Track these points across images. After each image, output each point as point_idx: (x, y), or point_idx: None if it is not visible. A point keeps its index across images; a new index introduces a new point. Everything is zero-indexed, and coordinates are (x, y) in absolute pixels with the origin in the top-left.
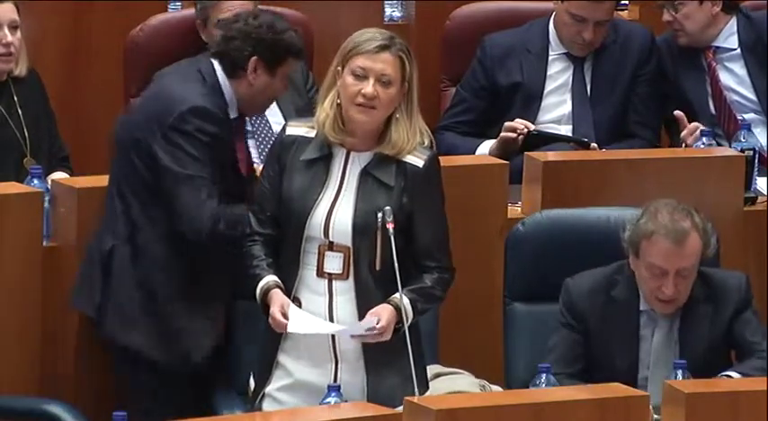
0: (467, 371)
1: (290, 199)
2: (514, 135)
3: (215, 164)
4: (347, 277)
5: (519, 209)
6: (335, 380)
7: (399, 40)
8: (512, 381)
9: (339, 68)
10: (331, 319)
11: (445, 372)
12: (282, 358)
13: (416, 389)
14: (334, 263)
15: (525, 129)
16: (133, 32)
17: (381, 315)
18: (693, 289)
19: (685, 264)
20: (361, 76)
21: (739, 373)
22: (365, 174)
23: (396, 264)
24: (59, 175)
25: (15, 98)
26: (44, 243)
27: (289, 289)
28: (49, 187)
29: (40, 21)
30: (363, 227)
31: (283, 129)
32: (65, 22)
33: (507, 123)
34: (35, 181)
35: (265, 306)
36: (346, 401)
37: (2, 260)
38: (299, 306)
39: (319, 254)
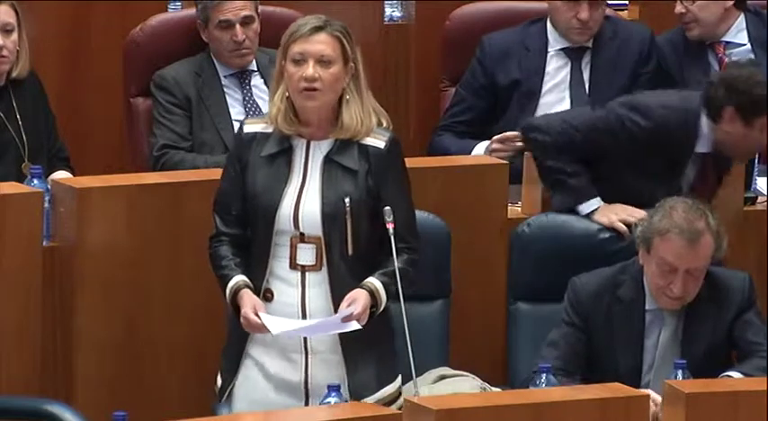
0: (466, 370)
1: (254, 195)
2: (505, 147)
3: None
4: (320, 268)
5: (519, 209)
6: (306, 373)
7: (336, 23)
8: (515, 381)
9: (283, 62)
10: (303, 310)
11: (450, 375)
12: (251, 349)
13: (414, 379)
14: (306, 254)
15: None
16: (133, 32)
17: (357, 300)
18: (700, 288)
19: (696, 265)
20: (300, 60)
21: (741, 373)
22: (328, 161)
23: (393, 250)
24: (61, 175)
25: (14, 103)
26: (44, 243)
27: (259, 282)
28: (49, 187)
29: (40, 21)
30: (332, 214)
31: (240, 127)
32: (65, 23)
33: (496, 137)
34: (35, 181)
35: (235, 306)
36: (346, 401)
37: (2, 260)
38: (271, 297)
39: (291, 246)
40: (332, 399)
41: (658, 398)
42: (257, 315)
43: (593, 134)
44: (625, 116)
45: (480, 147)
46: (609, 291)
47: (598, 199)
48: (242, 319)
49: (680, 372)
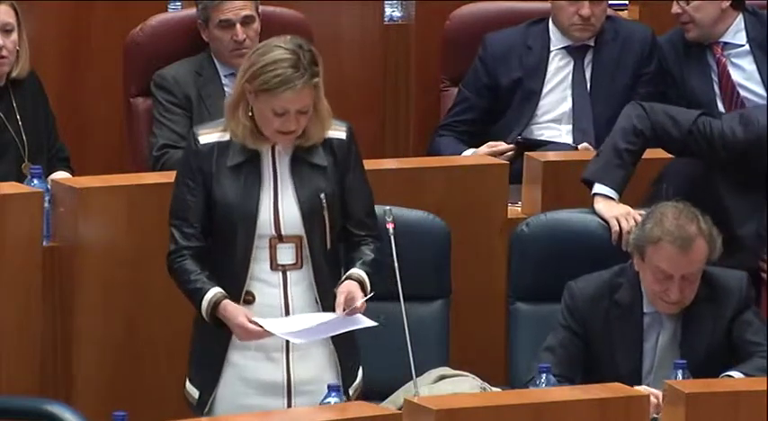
0: (466, 370)
1: (227, 205)
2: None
3: None
4: (301, 266)
5: (519, 209)
6: (288, 371)
7: (307, 58)
8: (515, 381)
9: (249, 91)
10: (286, 310)
11: (449, 375)
12: (232, 355)
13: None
14: (286, 254)
15: (511, 144)
16: (133, 32)
17: (352, 292)
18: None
19: (691, 270)
20: (282, 113)
21: (742, 373)
22: (296, 161)
23: (393, 249)
24: (60, 175)
25: (14, 103)
26: (44, 243)
27: (240, 286)
28: (49, 187)
29: (40, 21)
30: (311, 212)
31: (194, 138)
32: (65, 23)
33: (488, 146)
34: (35, 181)
35: (214, 318)
36: (346, 401)
37: (2, 260)
38: (252, 300)
39: (270, 247)
40: (332, 399)
41: (659, 394)
42: (251, 322)
43: (691, 136)
44: (727, 125)
45: (468, 154)
46: (606, 295)
47: (616, 193)
48: (236, 329)
49: (680, 372)
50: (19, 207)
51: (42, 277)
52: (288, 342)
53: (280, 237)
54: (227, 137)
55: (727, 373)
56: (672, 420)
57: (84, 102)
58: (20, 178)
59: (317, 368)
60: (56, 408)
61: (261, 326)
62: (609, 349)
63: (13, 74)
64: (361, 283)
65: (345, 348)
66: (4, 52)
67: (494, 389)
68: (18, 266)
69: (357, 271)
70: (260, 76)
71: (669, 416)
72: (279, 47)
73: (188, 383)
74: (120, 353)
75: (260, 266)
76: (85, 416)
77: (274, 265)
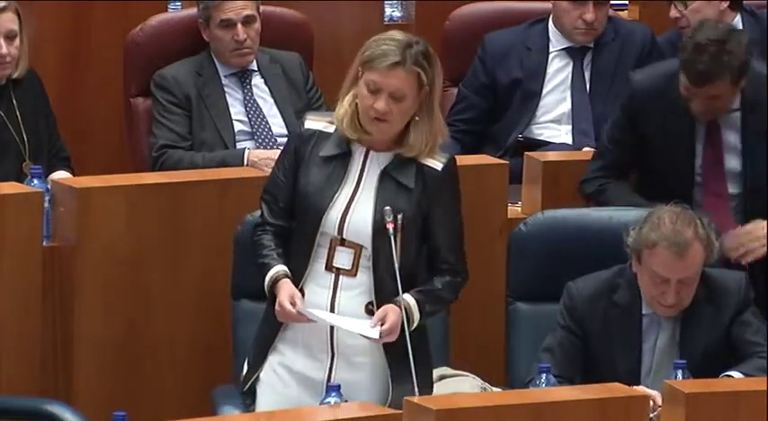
0: (466, 370)
1: (305, 193)
2: None
3: None
4: (355, 274)
5: (519, 209)
6: (330, 375)
7: (417, 49)
8: (514, 381)
9: (360, 73)
10: (332, 312)
11: (450, 374)
12: (279, 343)
13: (416, 390)
14: (344, 258)
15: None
16: (133, 32)
17: (388, 315)
18: (695, 291)
19: (687, 274)
20: (374, 90)
21: (741, 373)
22: (384, 174)
23: (396, 265)
24: (61, 175)
25: (15, 101)
26: (44, 243)
27: (297, 281)
28: (49, 187)
29: (40, 21)
30: (383, 227)
31: (302, 121)
32: (65, 23)
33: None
34: (35, 181)
35: (273, 295)
36: (346, 401)
37: (2, 260)
38: (302, 296)
39: (330, 248)
40: (332, 399)
41: (658, 399)
42: (293, 304)
43: (613, 139)
44: (610, 121)
45: None
46: (605, 295)
47: None
48: (276, 307)
49: (680, 372)
50: (19, 207)
51: (42, 277)
52: (333, 347)
53: (342, 241)
54: (331, 128)
55: (727, 373)
56: (672, 420)
57: (84, 102)
58: (20, 176)
59: (362, 376)
60: (56, 408)
61: (299, 311)
62: (607, 349)
63: (14, 75)
64: (405, 309)
65: (399, 368)
66: (8, 58)
67: (494, 389)
68: (18, 266)
69: (407, 296)
70: (367, 50)
71: (669, 416)
72: (396, 33)
73: (245, 364)
74: (120, 353)
75: (317, 265)
76: (85, 416)
77: (329, 266)
